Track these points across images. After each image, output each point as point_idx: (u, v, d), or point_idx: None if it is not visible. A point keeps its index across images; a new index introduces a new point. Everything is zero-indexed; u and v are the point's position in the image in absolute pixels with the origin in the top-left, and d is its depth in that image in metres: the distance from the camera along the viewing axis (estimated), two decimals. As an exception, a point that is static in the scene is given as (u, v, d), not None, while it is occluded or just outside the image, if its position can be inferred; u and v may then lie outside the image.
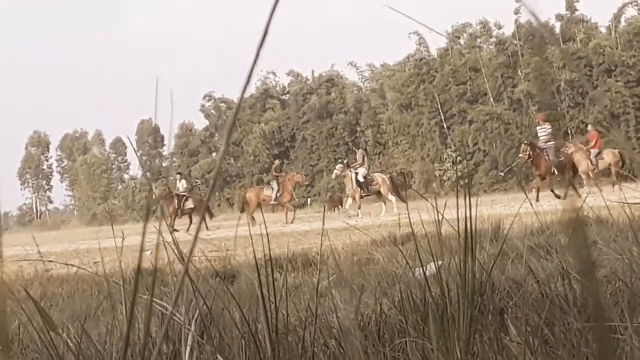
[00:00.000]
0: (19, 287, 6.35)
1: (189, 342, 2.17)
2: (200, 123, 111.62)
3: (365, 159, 35.96)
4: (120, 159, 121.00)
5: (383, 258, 6.27)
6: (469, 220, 2.22)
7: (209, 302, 2.28)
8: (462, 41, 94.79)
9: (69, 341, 2.40)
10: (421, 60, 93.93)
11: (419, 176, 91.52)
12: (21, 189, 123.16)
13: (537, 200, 23.98)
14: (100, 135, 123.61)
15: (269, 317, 1.96)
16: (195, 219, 36.97)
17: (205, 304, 2.22)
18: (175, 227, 30.20)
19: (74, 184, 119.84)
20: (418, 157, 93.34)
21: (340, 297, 3.19)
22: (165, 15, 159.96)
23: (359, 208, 33.76)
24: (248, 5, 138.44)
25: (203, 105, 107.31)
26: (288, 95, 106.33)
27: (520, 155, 31.60)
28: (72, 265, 7.40)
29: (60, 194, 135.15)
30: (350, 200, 35.04)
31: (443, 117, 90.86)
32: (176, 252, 1.84)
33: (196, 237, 1.17)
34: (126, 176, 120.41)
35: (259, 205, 38.08)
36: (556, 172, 30.93)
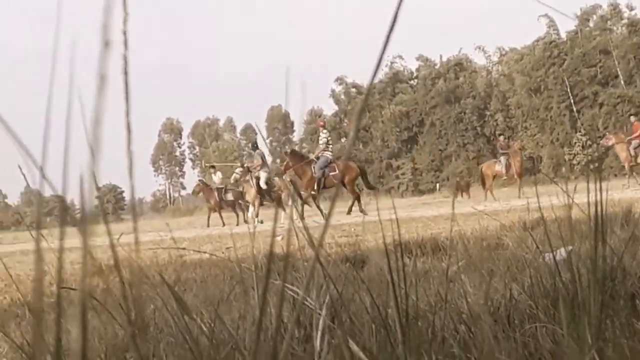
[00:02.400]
0: (153, 272, 6.51)
1: (320, 327, 2.19)
2: (329, 109, 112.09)
3: (265, 160, 32.49)
4: (250, 144, 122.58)
5: (512, 243, 6.20)
6: (599, 204, 2.17)
7: (339, 287, 2.30)
8: (591, 23, 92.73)
9: (203, 325, 2.45)
10: (550, 43, 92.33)
11: (547, 160, 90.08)
12: (154, 176, 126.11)
13: None
14: (231, 122, 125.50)
15: (399, 301, 1.96)
16: (238, 211, 36.38)
17: (336, 289, 2.23)
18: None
19: (206, 170, 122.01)
20: (547, 141, 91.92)
21: (469, 282, 3.17)
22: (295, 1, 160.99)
23: (257, 216, 30.92)
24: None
25: (333, 91, 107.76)
26: (416, 80, 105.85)
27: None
28: (204, 252, 7.54)
29: (193, 179, 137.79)
30: (250, 209, 31.91)
31: (572, 101, 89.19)
32: (307, 237, 1.86)
33: (327, 222, 1.18)
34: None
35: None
36: None
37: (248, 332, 2.42)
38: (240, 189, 32.88)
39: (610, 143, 36.60)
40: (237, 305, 3.54)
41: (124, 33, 0.88)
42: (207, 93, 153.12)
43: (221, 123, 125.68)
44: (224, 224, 31.88)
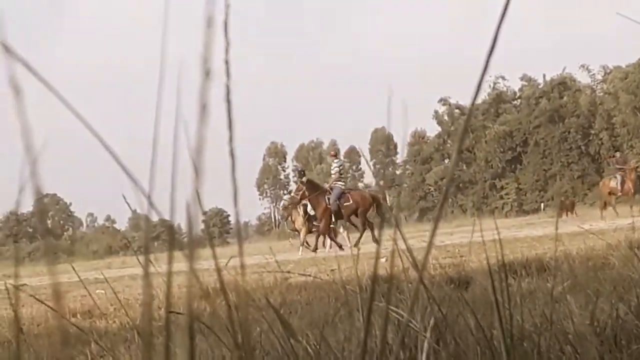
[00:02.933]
0: (259, 295, 6.56)
1: (425, 349, 2.18)
2: (432, 130, 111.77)
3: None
4: (354, 167, 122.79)
5: (618, 262, 6.08)
6: None
7: (443, 308, 2.29)
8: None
9: (308, 347, 2.46)
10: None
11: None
12: (259, 199, 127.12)
13: None
14: (335, 144, 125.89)
15: (504, 322, 1.95)
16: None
17: (440, 311, 2.22)
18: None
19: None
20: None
21: (575, 302, 3.12)
22: (398, 21, 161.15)
23: (302, 244, 29.36)
24: (478, 8, 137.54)
25: (436, 112, 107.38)
26: (519, 100, 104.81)
27: None
28: (309, 275, 7.58)
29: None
30: (301, 236, 30.00)
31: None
32: (410, 259, 1.86)
33: (430, 243, 1.18)
34: (360, 184, 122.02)
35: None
36: None
37: (353, 354, 2.43)
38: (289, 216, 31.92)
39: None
40: (342, 327, 3.54)
41: (226, 62, 0.90)
42: (311, 116, 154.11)
43: (325, 146, 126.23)
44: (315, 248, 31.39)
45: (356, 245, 26.07)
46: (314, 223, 29.23)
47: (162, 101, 0.92)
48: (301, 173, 30.15)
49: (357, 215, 27.92)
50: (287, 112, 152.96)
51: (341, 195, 27.96)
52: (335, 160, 29.49)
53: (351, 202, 27.69)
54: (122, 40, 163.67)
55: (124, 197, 2.37)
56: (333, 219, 27.87)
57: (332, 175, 28.77)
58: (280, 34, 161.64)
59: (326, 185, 28.98)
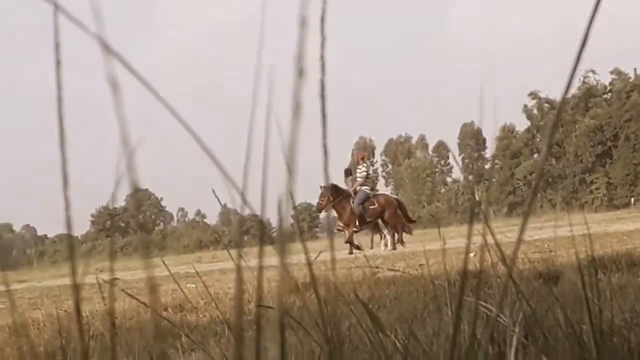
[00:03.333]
0: (348, 289, 6.58)
1: (514, 344, 2.17)
2: (522, 124, 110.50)
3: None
4: (442, 162, 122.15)
5: None
6: None
7: (532, 303, 2.27)
8: None
9: (397, 342, 2.47)
10: None
11: None
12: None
13: None
14: (424, 139, 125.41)
15: (593, 318, 1.93)
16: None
17: (529, 306, 2.21)
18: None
19: (399, 188, 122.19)
20: None
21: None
22: (487, 13, 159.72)
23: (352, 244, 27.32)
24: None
25: (525, 106, 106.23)
26: (610, 94, 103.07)
27: None
28: (397, 270, 7.59)
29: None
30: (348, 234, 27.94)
31: None
32: (499, 254, 1.85)
33: (519, 238, 1.18)
34: (449, 179, 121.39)
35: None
36: None
37: (442, 349, 2.43)
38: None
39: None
40: (431, 321, 3.54)
41: (322, 58, 0.91)
42: (400, 111, 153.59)
43: (413, 141, 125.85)
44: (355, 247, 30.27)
45: (394, 247, 26.21)
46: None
47: (257, 97, 0.94)
48: (347, 172, 29.47)
49: (383, 219, 27.56)
50: (375, 107, 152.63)
51: (366, 199, 27.57)
52: (364, 164, 28.66)
53: (376, 205, 27.47)
54: (214, 40, 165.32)
55: (213, 191, 2.40)
56: (358, 223, 27.16)
57: (358, 179, 28.04)
58: (369, 30, 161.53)
59: (351, 189, 28.17)
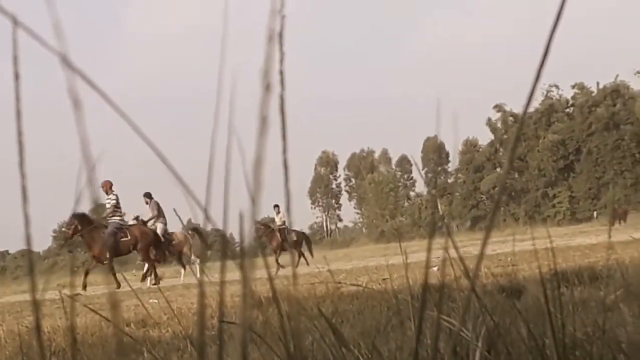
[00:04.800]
0: (311, 304, 6.57)
1: (477, 358, 2.17)
2: (484, 138, 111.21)
3: (161, 211, 28.62)
4: (406, 176, 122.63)
5: (675, 271, 6.02)
6: None
7: (495, 317, 2.28)
8: None
9: (360, 356, 2.47)
10: None
11: None
12: (311, 208, 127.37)
13: None
14: (386, 154, 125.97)
15: (556, 332, 1.94)
16: (303, 252, 33.56)
17: (492, 319, 2.22)
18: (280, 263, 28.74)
19: (362, 202, 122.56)
20: None
21: (628, 310, 3.09)
22: (455, 29, 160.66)
23: (150, 275, 27.05)
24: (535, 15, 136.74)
25: (489, 119, 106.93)
26: (572, 108, 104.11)
27: None
28: (360, 285, 7.60)
29: (349, 212, 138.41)
30: (146, 266, 27.67)
31: None
32: (462, 267, 1.85)
33: (481, 252, 1.18)
34: (412, 193, 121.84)
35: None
36: None
37: (405, 364, 2.43)
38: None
39: None
40: (394, 336, 3.54)
41: (281, 73, 0.91)
42: (363, 125, 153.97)
43: (376, 155, 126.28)
44: (279, 267, 28.85)
45: (143, 279, 25.18)
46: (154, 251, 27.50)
47: (219, 113, 0.94)
48: (148, 195, 28.37)
49: (137, 251, 26.46)
50: (338, 121, 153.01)
51: (118, 231, 25.91)
52: (112, 194, 26.57)
53: (129, 237, 25.97)
54: (178, 53, 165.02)
55: (175, 211, 2.40)
56: (108, 256, 25.41)
57: (107, 209, 26.16)
58: (333, 43, 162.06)
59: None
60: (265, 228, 33.07)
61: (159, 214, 28.19)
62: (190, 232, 29.46)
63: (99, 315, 2.56)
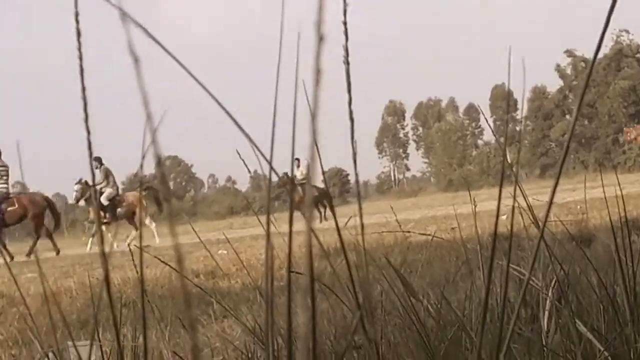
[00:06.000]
0: (379, 254, 6.58)
1: (547, 307, 2.16)
2: (553, 85, 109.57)
3: (112, 176, 28.44)
4: (473, 124, 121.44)
5: None
6: None
7: (565, 266, 2.26)
8: None
9: (429, 306, 2.46)
10: None
11: None
12: (379, 158, 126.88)
13: None
14: (454, 102, 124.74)
15: (627, 280, 1.92)
16: (320, 208, 32.15)
17: (562, 268, 2.19)
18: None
19: (429, 151, 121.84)
20: None
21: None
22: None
23: (107, 236, 25.68)
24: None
25: (558, 65, 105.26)
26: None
27: None
28: (428, 234, 7.58)
29: (417, 161, 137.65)
30: (94, 227, 26.10)
31: None
32: (531, 216, 1.84)
33: (551, 200, 1.17)
34: (480, 141, 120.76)
35: None
36: None
37: (474, 313, 2.42)
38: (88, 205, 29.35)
39: (632, 136, 34.58)
40: (463, 285, 3.53)
41: (344, 24, 0.90)
42: (430, 73, 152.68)
43: (444, 104, 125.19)
44: (320, 221, 29.02)
45: (29, 254, 23.40)
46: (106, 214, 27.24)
47: (281, 63, 0.93)
48: (98, 160, 27.46)
49: (28, 219, 25.24)
50: (405, 70, 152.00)
51: (3, 200, 24.91)
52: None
53: (17, 206, 24.84)
54: (238, 7, 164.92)
55: (243, 161, 2.40)
56: None
57: None
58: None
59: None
60: (287, 180, 32.21)
61: (109, 180, 28.16)
62: (144, 192, 28.11)
63: (168, 267, 2.59)
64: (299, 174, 32.90)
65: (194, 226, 3.03)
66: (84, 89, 1.09)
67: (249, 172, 2.30)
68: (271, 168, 1.01)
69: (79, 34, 1.03)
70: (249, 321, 2.79)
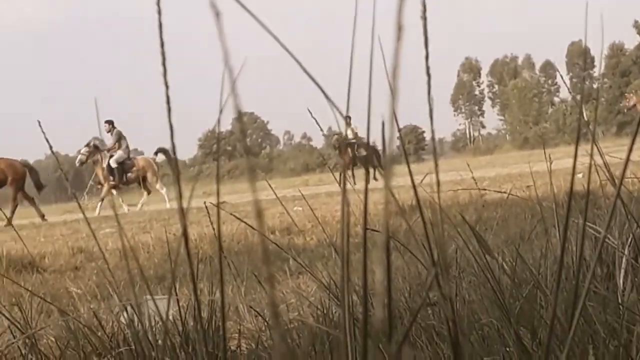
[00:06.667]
0: (454, 212, 6.55)
1: (623, 265, 2.14)
2: (631, 42, 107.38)
3: (123, 140, 27.97)
4: (550, 81, 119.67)
5: None
6: None
7: (642, 224, 2.23)
8: None
9: (504, 264, 2.46)
10: None
11: None
12: (454, 115, 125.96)
13: None
14: (530, 59, 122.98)
15: None
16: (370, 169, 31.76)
17: (638, 226, 2.17)
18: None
19: (505, 109, 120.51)
20: None
21: None
22: None
23: (119, 200, 26.87)
24: None
25: (636, 21, 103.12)
26: None
27: None
28: (503, 192, 7.53)
29: (492, 118, 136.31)
30: (104, 190, 26.89)
31: None
32: (607, 174, 1.82)
33: (627, 158, 1.16)
34: (556, 99, 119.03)
35: None
36: None
37: (549, 271, 2.41)
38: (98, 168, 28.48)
39: (631, 103, 33.39)
40: (538, 244, 3.51)
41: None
42: (506, 30, 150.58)
43: (520, 61, 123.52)
44: (354, 183, 28.27)
45: (8, 224, 22.28)
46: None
47: (357, 20, 0.93)
48: (110, 123, 27.57)
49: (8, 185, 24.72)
50: (481, 27, 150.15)
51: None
52: None
53: None
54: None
55: (316, 121, 2.41)
56: None
57: None
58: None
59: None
60: (341, 140, 32.00)
61: (120, 144, 27.76)
62: (154, 156, 28.64)
63: (244, 223, 2.62)
64: (349, 133, 32.13)
65: (270, 183, 3.06)
66: (162, 43, 1.11)
67: (322, 131, 2.31)
68: (347, 124, 1.02)
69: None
70: (324, 278, 2.81)
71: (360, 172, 32.33)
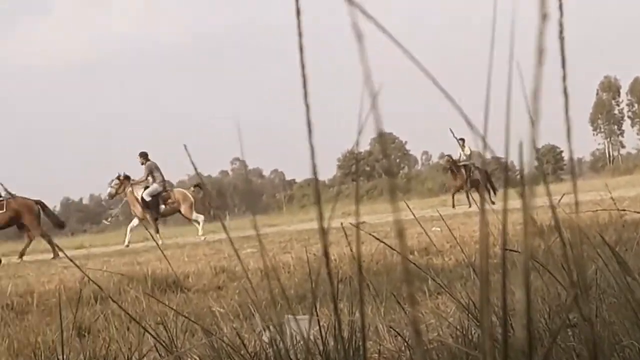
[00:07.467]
0: (594, 232, 6.43)
1: None
2: None
3: (156, 173, 28.02)
4: (139, 156, 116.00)
5: None
6: None
7: None
8: None
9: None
10: None
11: None
12: (593, 134, 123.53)
13: None
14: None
15: None
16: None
17: None
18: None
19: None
20: None
21: None
22: None
23: (157, 232, 27.00)
24: None
25: None
26: None
27: None
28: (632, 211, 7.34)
29: (632, 137, 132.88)
30: (135, 222, 27.63)
31: None
32: None
33: None
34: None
35: None
36: None
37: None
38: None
39: None
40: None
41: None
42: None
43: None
44: (469, 205, 28.33)
45: (20, 257, 23.15)
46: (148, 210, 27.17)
47: (494, 43, 0.94)
48: (144, 155, 28.01)
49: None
50: (620, 45, 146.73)
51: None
52: None
53: (4, 210, 24.64)
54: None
55: (457, 140, 2.41)
56: None
57: None
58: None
59: None
60: (452, 162, 31.54)
61: (154, 176, 27.87)
62: (192, 189, 29.26)
63: (383, 244, 2.63)
64: (463, 155, 31.86)
65: (408, 203, 3.08)
66: (303, 66, 1.13)
67: (462, 150, 2.31)
68: (461, 146, 1.02)
69: (298, 12, 1.07)
70: (463, 298, 2.80)
71: (475, 195, 31.34)
